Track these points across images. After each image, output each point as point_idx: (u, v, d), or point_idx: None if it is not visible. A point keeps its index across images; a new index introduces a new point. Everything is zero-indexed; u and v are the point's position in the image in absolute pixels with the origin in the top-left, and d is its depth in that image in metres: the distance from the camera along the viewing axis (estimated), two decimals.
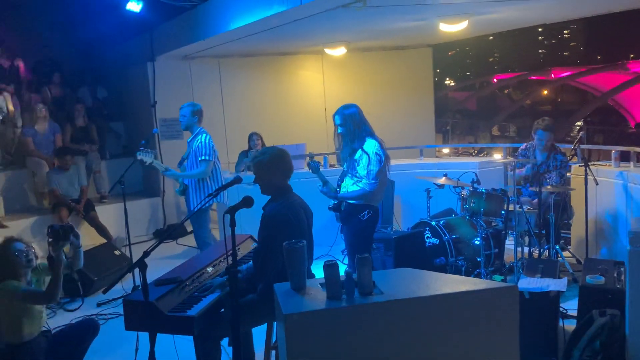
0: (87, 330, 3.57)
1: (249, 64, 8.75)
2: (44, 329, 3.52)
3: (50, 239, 3.33)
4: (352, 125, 4.15)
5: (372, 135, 4.21)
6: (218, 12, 6.38)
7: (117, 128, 9.24)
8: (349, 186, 4.21)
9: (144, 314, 2.82)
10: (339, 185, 4.28)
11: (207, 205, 4.93)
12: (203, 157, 5.15)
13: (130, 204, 5.70)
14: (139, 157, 5.07)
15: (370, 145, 4.12)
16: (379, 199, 4.29)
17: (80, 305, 5.12)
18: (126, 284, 5.35)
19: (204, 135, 5.24)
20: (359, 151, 4.13)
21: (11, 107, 7.70)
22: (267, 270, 3.14)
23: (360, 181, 4.13)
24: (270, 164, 3.26)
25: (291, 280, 2.67)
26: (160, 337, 2.86)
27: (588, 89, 25.36)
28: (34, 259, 3.46)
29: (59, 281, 3.29)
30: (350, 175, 4.22)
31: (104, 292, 2.97)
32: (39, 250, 3.84)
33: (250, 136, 7.21)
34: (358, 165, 4.13)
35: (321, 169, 4.36)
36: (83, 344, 3.56)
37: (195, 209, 5.00)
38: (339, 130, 4.23)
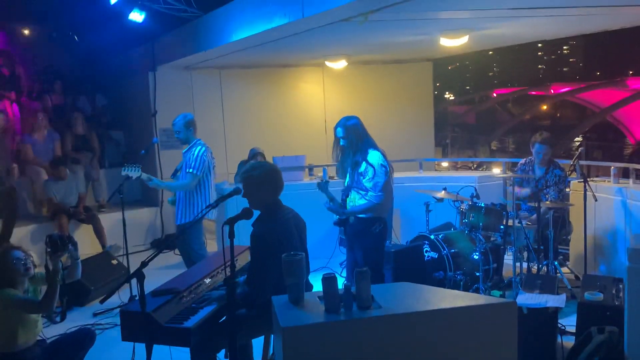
0: (83, 339, 3.55)
1: (250, 75, 8.79)
2: (39, 338, 3.50)
3: (48, 249, 3.32)
4: (354, 137, 4.12)
5: (375, 146, 4.18)
6: (220, 23, 6.42)
7: (117, 137, 9.25)
8: (356, 200, 4.14)
9: (141, 325, 2.81)
10: (344, 200, 4.21)
11: (199, 217, 4.85)
12: (190, 170, 5.04)
13: (129, 213, 5.68)
14: (124, 173, 4.95)
15: (374, 157, 4.09)
16: (387, 210, 4.22)
17: (62, 320, 4.73)
18: (123, 294, 5.32)
19: (199, 148, 5.13)
20: (364, 164, 4.09)
21: (10, 113, 7.72)
22: (260, 290, 3.10)
23: (367, 194, 4.08)
24: (260, 180, 3.20)
25: (289, 292, 2.66)
26: (156, 348, 2.84)
27: (587, 104, 25.49)
28: (32, 268, 3.45)
29: (55, 291, 3.28)
30: (355, 189, 4.15)
31: (102, 302, 2.96)
32: (37, 259, 3.83)
33: (253, 155, 6.96)
34: (364, 178, 4.08)
35: (320, 181, 4.34)
36: (79, 353, 3.54)
37: (197, 217, 4.95)
38: (341, 143, 4.19)
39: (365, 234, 4.13)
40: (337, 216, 4.26)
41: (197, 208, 5.11)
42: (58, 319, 4.37)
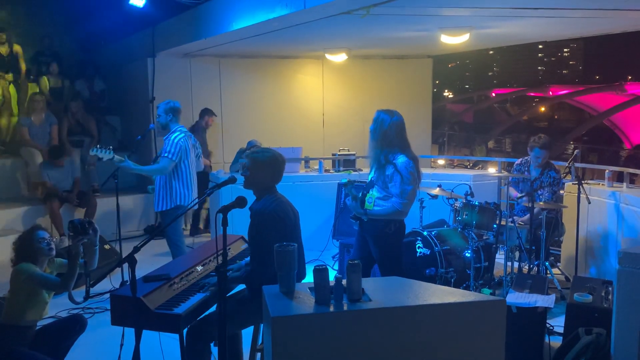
0: (73, 326, 3.58)
1: (249, 65, 8.76)
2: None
3: (70, 233, 3.40)
4: (382, 134, 3.93)
5: (406, 150, 3.98)
6: (221, 11, 6.39)
7: (113, 122, 9.22)
8: (375, 198, 3.99)
9: (131, 310, 2.81)
10: (363, 195, 4.05)
11: (190, 206, 4.71)
12: (165, 155, 4.93)
13: (123, 199, 5.68)
14: (92, 153, 4.81)
15: (403, 161, 3.90)
16: (406, 215, 4.06)
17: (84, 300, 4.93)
18: (114, 279, 5.32)
19: (177, 134, 5.01)
20: (391, 167, 3.91)
21: (7, 94, 7.67)
22: (265, 268, 3.13)
23: (391, 197, 3.92)
24: (264, 162, 3.30)
25: (280, 283, 2.66)
26: (145, 333, 2.84)
27: (585, 108, 25.53)
28: (54, 249, 3.54)
29: (74, 273, 3.39)
30: (378, 187, 3.98)
31: (92, 285, 2.97)
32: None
33: (251, 147, 7.05)
34: (390, 182, 3.90)
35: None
36: (69, 339, 3.57)
37: (190, 205, 4.90)
38: (375, 136, 3.99)
39: (379, 236, 4.00)
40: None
41: (176, 194, 4.99)
42: (81, 299, 4.43)
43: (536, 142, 5.39)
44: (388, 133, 3.95)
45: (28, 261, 3.41)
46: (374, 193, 4.01)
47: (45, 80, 8.60)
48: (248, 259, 3.47)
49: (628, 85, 21.50)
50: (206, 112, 7.76)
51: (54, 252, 3.54)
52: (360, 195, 4.06)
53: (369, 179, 4.10)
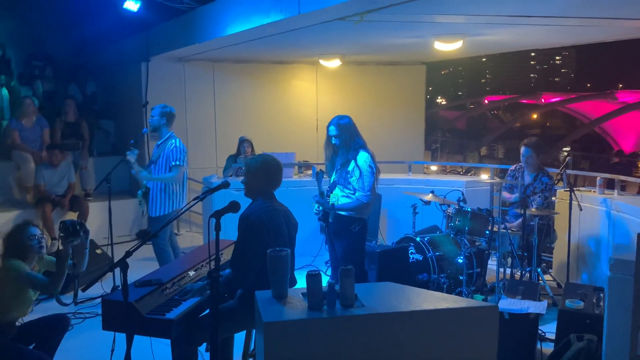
0: (57, 324, 3.53)
1: (243, 69, 8.76)
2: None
3: (61, 234, 3.37)
4: (347, 136, 4.17)
5: (365, 147, 4.24)
6: (215, 16, 6.39)
7: (107, 126, 9.18)
8: (340, 197, 4.21)
9: (123, 315, 2.79)
10: (328, 195, 4.28)
11: (184, 211, 4.67)
12: (176, 163, 4.99)
13: (115, 203, 5.64)
14: (128, 157, 4.96)
15: (362, 157, 4.16)
16: (369, 211, 4.30)
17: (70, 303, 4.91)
18: (106, 284, 5.28)
19: (177, 139, 5.10)
20: (352, 163, 4.15)
21: None
22: (244, 274, 3.12)
23: (354, 193, 4.14)
24: (257, 169, 3.30)
25: (273, 288, 2.66)
26: (137, 339, 2.83)
27: (577, 115, 25.71)
28: (45, 247, 3.51)
29: (62, 274, 3.36)
30: (341, 186, 4.23)
31: (83, 290, 2.94)
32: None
33: (241, 142, 7.16)
34: (351, 177, 4.14)
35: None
36: (52, 339, 3.52)
37: (183, 211, 4.88)
38: (333, 141, 4.23)
39: (344, 233, 4.20)
40: (321, 211, 4.27)
41: (177, 199, 5.08)
42: (70, 302, 4.39)
43: (524, 142, 5.51)
44: (353, 133, 4.21)
45: (17, 257, 3.37)
46: (337, 192, 4.24)
47: (38, 84, 8.56)
48: None
49: (619, 93, 21.70)
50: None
51: (44, 250, 3.51)
52: (325, 192, 4.28)
53: (331, 181, 4.32)
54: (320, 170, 4.41)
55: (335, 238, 4.26)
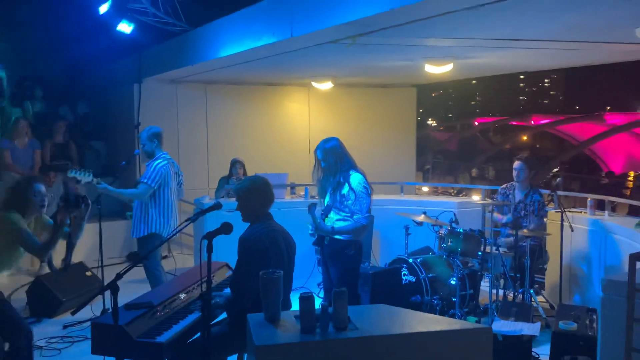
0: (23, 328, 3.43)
1: (235, 91, 8.80)
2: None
3: (61, 203, 3.38)
4: (333, 159, 4.16)
5: (355, 167, 4.22)
6: (208, 39, 6.44)
7: (98, 147, 9.15)
8: (334, 221, 4.17)
9: (113, 338, 2.75)
10: (323, 220, 4.23)
11: (171, 235, 4.54)
12: (145, 180, 4.85)
13: (105, 225, 5.58)
14: (70, 175, 4.61)
15: (356, 179, 4.14)
16: (365, 234, 4.29)
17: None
18: (95, 307, 5.21)
19: (159, 161, 4.94)
20: (346, 186, 4.12)
21: None
22: (243, 296, 3.10)
23: (351, 216, 4.11)
24: (249, 190, 3.32)
25: (265, 310, 2.63)
26: None
27: (566, 137, 25.95)
28: (45, 207, 3.48)
29: (54, 241, 3.39)
30: (336, 210, 4.18)
31: (73, 313, 2.90)
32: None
33: (233, 163, 7.15)
34: (347, 201, 4.11)
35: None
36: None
37: (174, 233, 4.83)
38: (322, 165, 4.23)
39: (339, 256, 4.16)
40: (316, 235, 4.25)
41: (151, 221, 4.90)
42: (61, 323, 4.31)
43: (517, 157, 5.63)
44: (340, 155, 4.18)
45: (17, 211, 3.33)
46: (332, 216, 4.20)
47: (29, 105, 8.54)
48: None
49: (607, 116, 21.99)
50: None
51: (44, 210, 3.49)
52: (319, 218, 4.23)
53: (325, 204, 4.28)
54: (313, 204, 4.31)
55: (330, 261, 4.23)
